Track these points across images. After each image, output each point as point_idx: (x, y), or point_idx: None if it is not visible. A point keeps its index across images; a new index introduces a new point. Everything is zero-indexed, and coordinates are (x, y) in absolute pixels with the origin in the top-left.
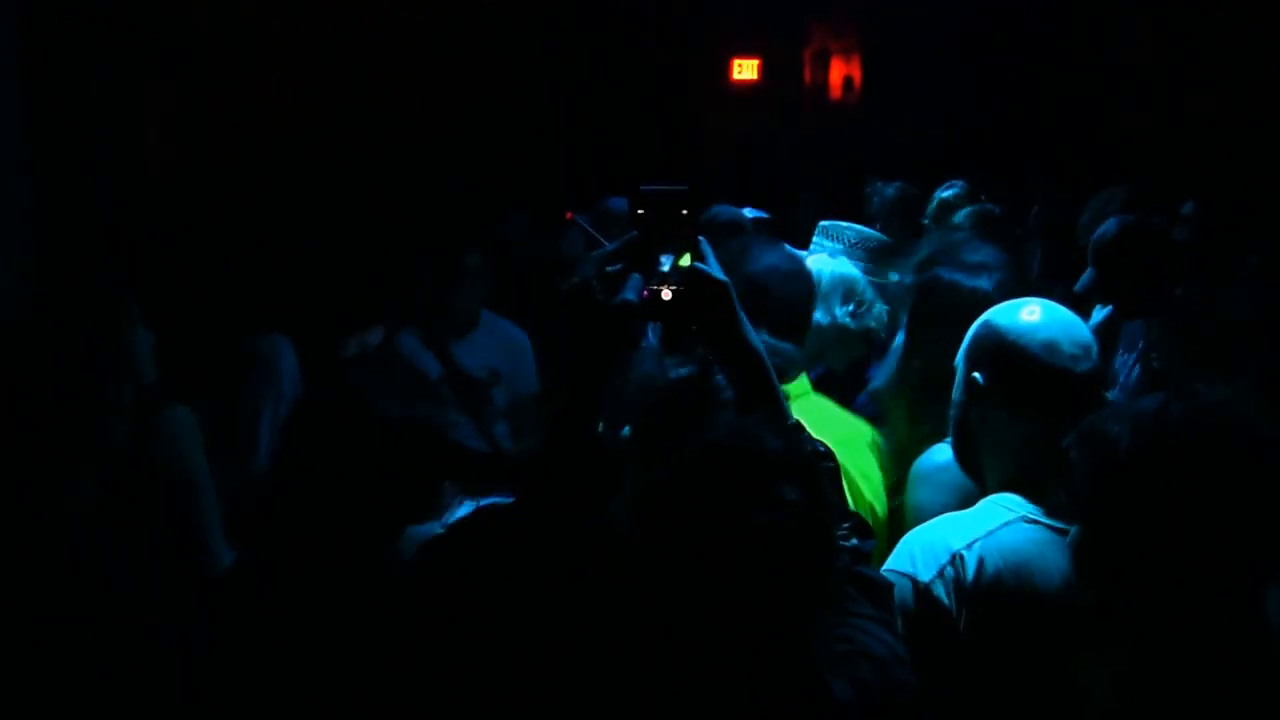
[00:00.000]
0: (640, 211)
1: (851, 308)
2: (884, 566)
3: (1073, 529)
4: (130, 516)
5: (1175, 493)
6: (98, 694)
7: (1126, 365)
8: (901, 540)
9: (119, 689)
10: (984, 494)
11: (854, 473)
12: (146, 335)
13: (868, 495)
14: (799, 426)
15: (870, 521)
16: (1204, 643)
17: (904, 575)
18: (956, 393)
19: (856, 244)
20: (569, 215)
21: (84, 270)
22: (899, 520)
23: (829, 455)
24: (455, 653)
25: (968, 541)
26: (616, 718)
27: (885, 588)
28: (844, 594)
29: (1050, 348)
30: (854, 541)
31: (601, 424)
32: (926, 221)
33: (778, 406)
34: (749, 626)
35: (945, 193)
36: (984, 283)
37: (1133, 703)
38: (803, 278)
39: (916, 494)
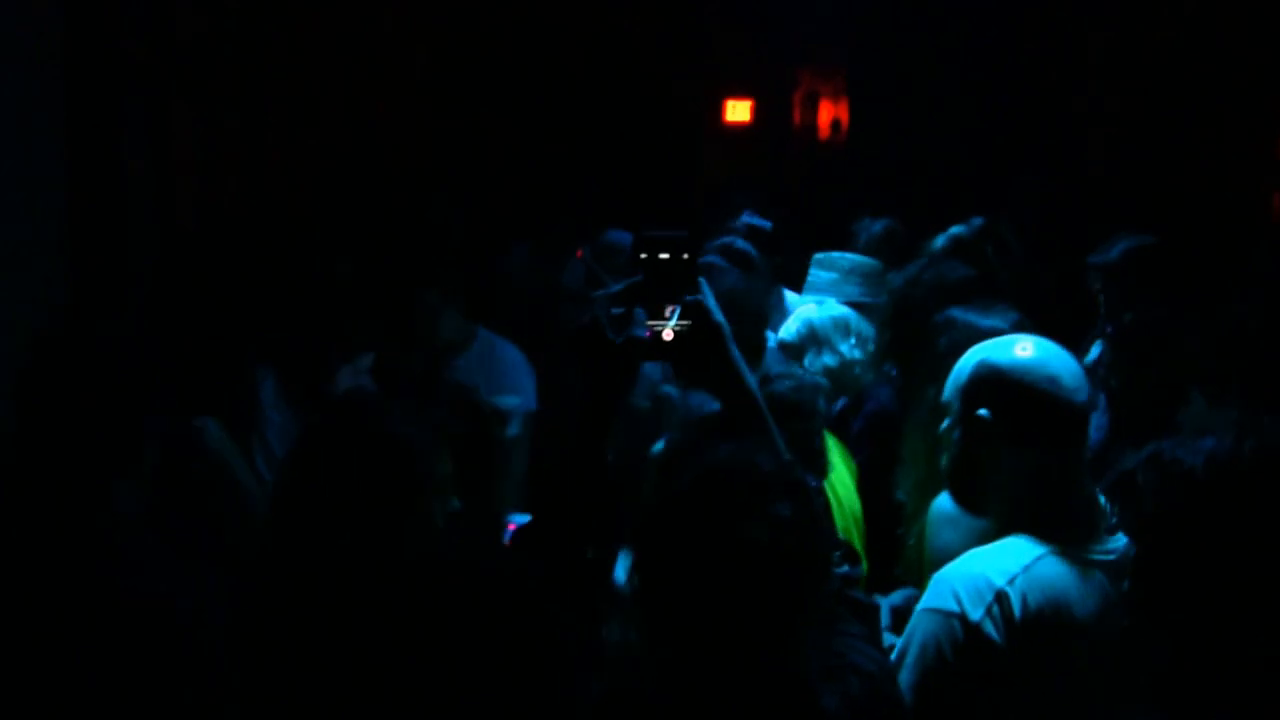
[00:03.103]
0: (643, 255)
1: (854, 340)
2: (922, 605)
3: (1117, 547)
4: (172, 523)
5: (1243, 522)
6: (138, 691)
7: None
8: (935, 578)
9: (161, 688)
10: (989, 527)
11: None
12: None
13: (840, 491)
14: (794, 461)
15: None
16: (1248, 660)
17: (952, 615)
18: (954, 431)
19: (851, 271)
20: (579, 253)
21: (117, 283)
22: (919, 556)
23: (820, 489)
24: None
25: (1009, 578)
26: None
27: (873, 610)
28: (835, 614)
29: (1053, 381)
30: (845, 568)
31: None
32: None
33: (774, 443)
34: (741, 638)
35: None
36: (999, 322)
37: (1172, 709)
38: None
39: (940, 537)
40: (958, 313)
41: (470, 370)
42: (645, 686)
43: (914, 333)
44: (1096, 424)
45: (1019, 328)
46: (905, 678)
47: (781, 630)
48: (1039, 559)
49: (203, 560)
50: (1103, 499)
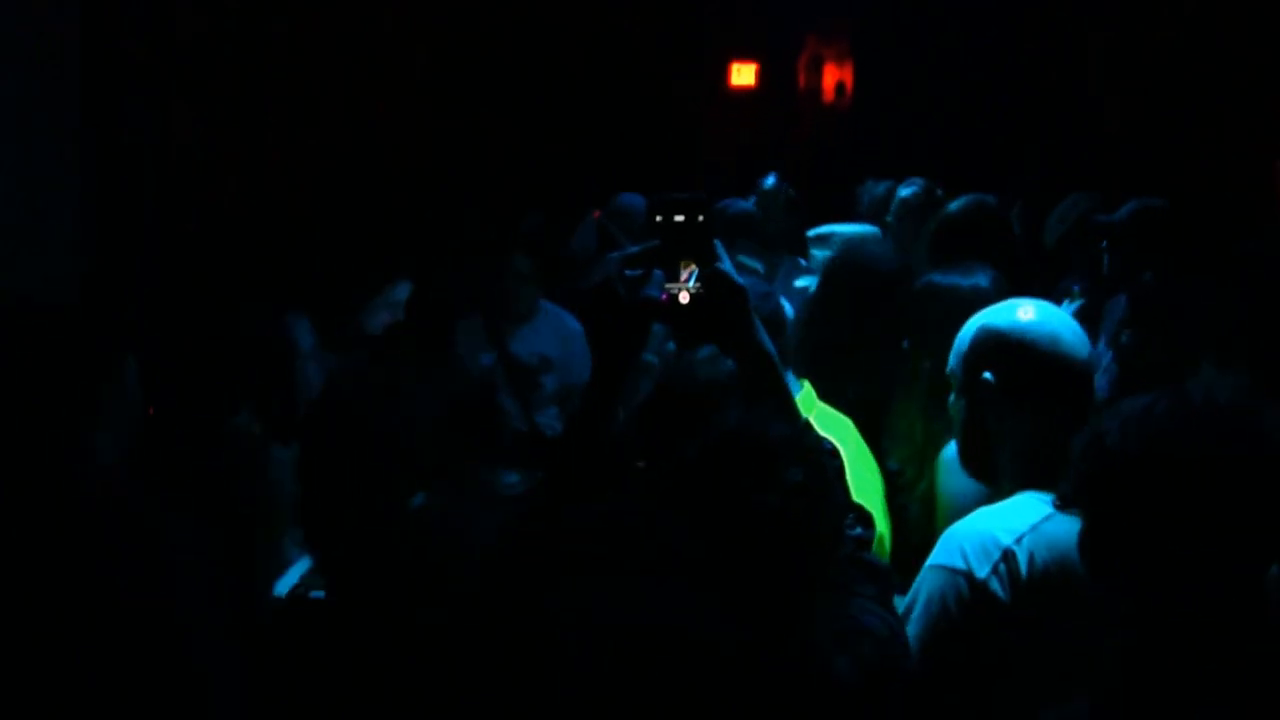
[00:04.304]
0: (658, 219)
1: None
2: (930, 561)
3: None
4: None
5: (1157, 486)
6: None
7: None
8: (943, 535)
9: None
10: (999, 493)
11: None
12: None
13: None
14: (809, 424)
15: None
16: (1202, 626)
17: (958, 572)
18: (960, 397)
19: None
20: (596, 214)
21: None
22: (929, 510)
23: (835, 453)
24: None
25: (1016, 536)
26: (621, 691)
27: (885, 572)
28: (849, 577)
29: (1055, 341)
30: (858, 530)
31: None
32: (890, 220)
33: (789, 407)
34: (752, 604)
35: (904, 192)
36: (981, 280)
37: (1137, 681)
38: (771, 298)
39: (951, 482)
40: (938, 278)
41: (540, 340)
42: (652, 651)
43: (834, 329)
44: (1099, 384)
45: (999, 284)
46: (910, 631)
47: (793, 595)
48: (1047, 518)
49: (208, 557)
50: None
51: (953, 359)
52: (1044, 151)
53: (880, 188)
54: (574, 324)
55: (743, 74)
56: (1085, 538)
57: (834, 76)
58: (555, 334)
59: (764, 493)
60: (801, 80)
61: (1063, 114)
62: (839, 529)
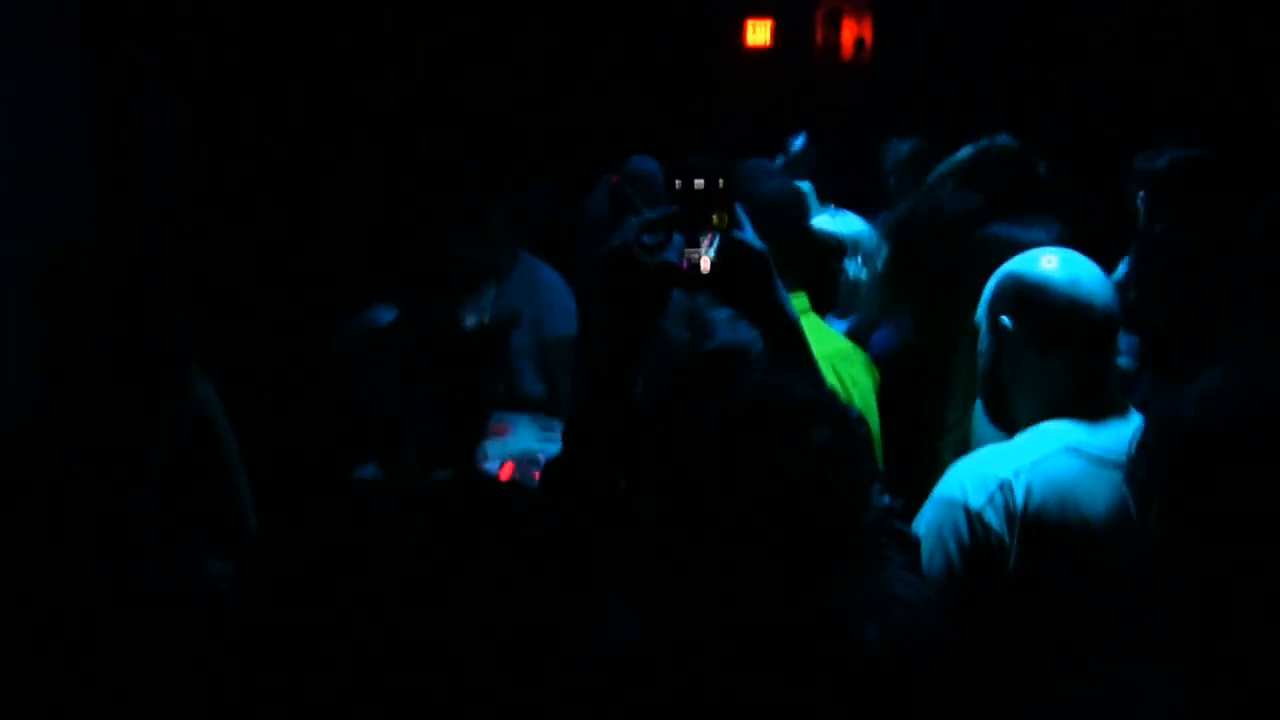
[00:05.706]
0: (678, 184)
1: (860, 260)
2: (933, 493)
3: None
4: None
5: (1241, 460)
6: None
7: None
8: (948, 470)
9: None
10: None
11: (846, 381)
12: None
13: (858, 402)
14: (834, 392)
15: None
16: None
17: (955, 503)
18: (983, 344)
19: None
20: (615, 179)
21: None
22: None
23: (862, 421)
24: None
25: (1014, 470)
26: (646, 660)
27: (915, 542)
28: (878, 544)
29: (1072, 285)
30: (886, 499)
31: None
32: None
33: (814, 372)
34: (778, 570)
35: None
36: (1041, 234)
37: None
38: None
39: (987, 428)
40: (1000, 229)
41: (515, 294)
42: (679, 620)
43: (916, 267)
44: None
45: (1061, 238)
46: None
47: (819, 561)
48: (1051, 455)
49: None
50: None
51: (980, 306)
52: (1071, 104)
53: (905, 146)
54: (552, 276)
55: (758, 31)
56: (1164, 517)
57: (853, 31)
58: (529, 287)
59: (789, 454)
60: (819, 36)
61: (1084, 66)
62: (866, 494)
